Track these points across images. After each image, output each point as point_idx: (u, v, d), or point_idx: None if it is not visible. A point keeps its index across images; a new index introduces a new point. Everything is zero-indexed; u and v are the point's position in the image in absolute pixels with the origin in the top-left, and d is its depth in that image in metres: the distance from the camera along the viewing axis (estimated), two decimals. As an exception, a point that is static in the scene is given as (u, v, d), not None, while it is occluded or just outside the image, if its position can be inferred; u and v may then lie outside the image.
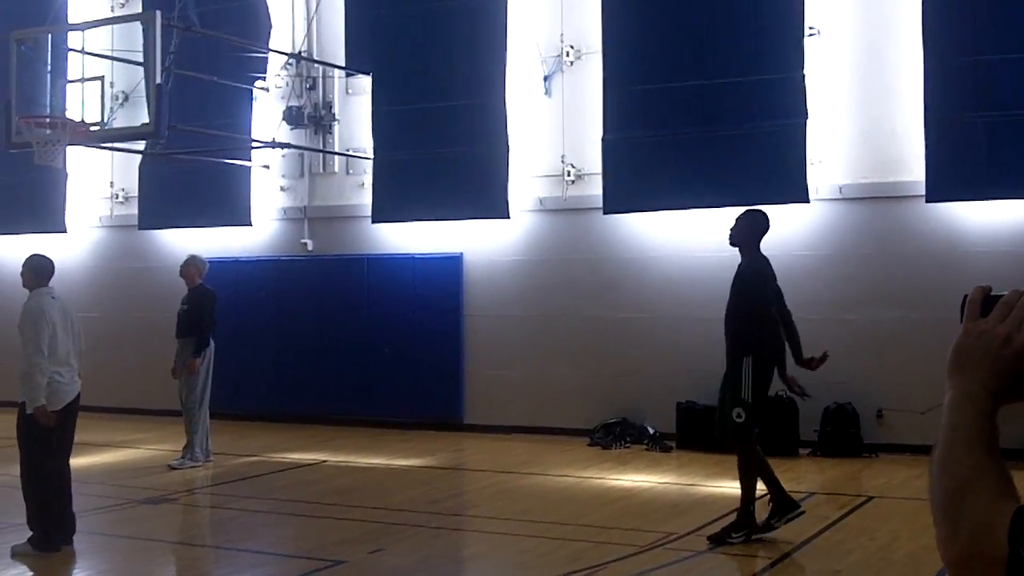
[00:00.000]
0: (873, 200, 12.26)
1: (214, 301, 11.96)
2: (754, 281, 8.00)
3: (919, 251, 12.05)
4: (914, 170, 11.92)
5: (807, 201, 12.12)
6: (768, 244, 8.28)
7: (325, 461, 12.11)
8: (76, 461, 11.91)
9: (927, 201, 11.78)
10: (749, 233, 8.16)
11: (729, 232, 8.24)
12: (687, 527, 8.58)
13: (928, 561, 7.34)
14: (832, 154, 12.36)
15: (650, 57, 12.89)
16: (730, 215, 12.62)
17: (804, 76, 12.11)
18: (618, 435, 12.83)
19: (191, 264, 12.10)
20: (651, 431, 12.77)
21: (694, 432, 12.38)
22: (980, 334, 1.46)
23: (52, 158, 11.41)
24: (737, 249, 8.19)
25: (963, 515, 1.37)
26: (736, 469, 8.15)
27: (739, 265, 8.15)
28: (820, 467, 11.50)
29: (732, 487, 10.35)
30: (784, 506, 8.03)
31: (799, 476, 10.67)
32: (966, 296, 1.49)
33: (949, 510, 1.39)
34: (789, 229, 12.19)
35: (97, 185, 16.50)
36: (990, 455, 1.41)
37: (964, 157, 11.58)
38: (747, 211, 8.43)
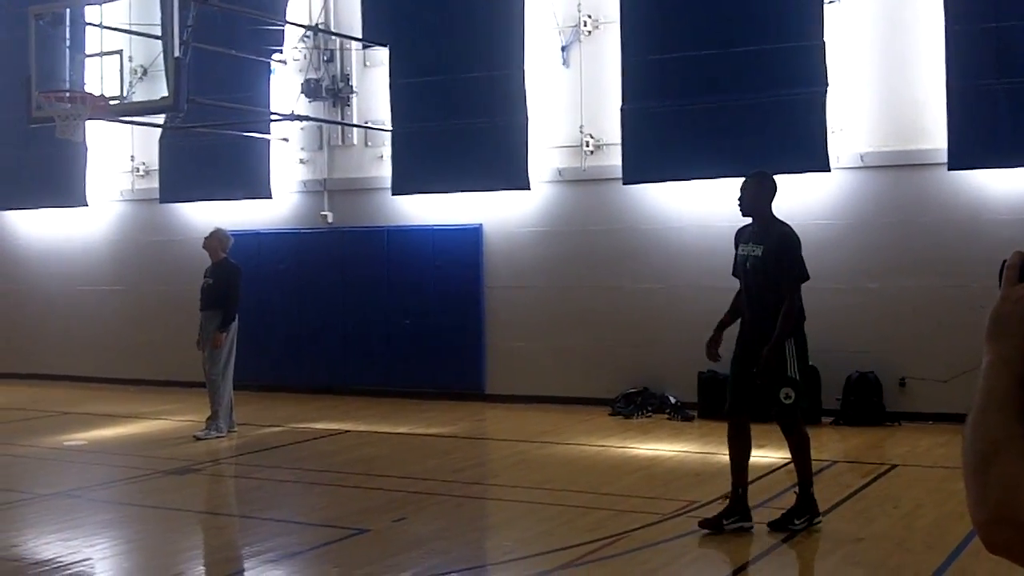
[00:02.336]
0: (894, 168, 12.20)
1: (239, 275, 11.95)
2: (796, 250, 7.37)
3: (941, 219, 11.99)
4: (936, 138, 11.84)
5: (828, 170, 12.07)
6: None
7: (348, 431, 12.18)
8: (102, 433, 12.13)
9: (949, 169, 11.70)
10: (762, 197, 7.50)
11: (738, 202, 7.54)
12: (709, 496, 8.58)
13: (952, 528, 7.34)
14: (853, 122, 12.29)
15: (668, 26, 12.83)
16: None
17: (824, 44, 12.03)
18: (639, 404, 12.85)
19: (214, 237, 12.10)
20: (672, 400, 12.79)
21: (716, 401, 12.39)
22: (1018, 300, 1.46)
23: (72, 132, 11.49)
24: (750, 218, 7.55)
25: (992, 477, 1.38)
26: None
27: (767, 234, 7.41)
28: (843, 436, 11.51)
29: (754, 456, 10.38)
30: (740, 509, 7.55)
31: (821, 445, 10.60)
32: (1005, 262, 1.48)
33: (980, 472, 1.40)
34: (810, 198, 12.17)
35: (118, 159, 16.53)
36: (1022, 420, 1.41)
37: (986, 124, 11.51)
38: (750, 176, 7.62)
